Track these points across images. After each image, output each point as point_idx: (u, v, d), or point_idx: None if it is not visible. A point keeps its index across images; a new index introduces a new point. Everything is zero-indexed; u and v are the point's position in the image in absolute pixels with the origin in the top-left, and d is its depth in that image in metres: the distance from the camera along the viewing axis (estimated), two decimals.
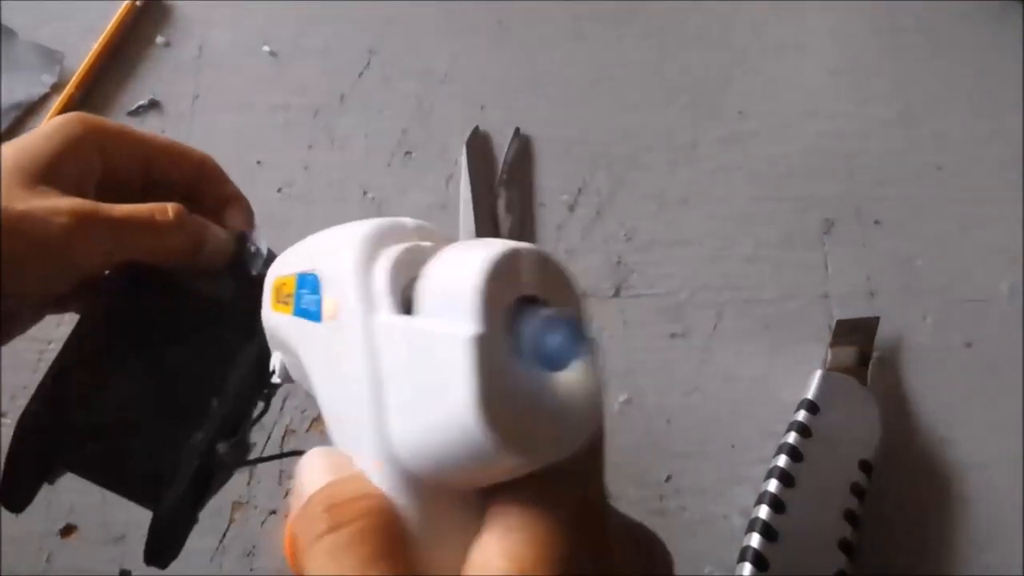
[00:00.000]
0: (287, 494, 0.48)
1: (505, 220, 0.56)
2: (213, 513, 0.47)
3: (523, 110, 0.60)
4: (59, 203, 0.34)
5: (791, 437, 0.49)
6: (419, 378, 0.22)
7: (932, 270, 0.57)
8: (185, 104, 0.58)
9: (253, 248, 0.38)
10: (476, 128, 0.58)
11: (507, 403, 0.21)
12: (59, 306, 0.39)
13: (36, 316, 0.38)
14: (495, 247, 0.22)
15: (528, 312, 0.22)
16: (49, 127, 0.36)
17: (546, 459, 0.21)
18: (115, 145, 0.37)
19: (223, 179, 0.41)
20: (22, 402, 0.49)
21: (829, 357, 0.53)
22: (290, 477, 0.48)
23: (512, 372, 0.21)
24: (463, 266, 0.22)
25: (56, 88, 0.57)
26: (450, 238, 0.26)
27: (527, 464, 0.21)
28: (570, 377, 0.22)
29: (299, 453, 0.25)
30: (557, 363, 0.21)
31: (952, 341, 0.55)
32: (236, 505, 0.48)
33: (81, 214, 0.34)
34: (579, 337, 0.21)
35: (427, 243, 0.25)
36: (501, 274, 0.22)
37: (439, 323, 0.22)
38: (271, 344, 0.29)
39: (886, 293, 0.56)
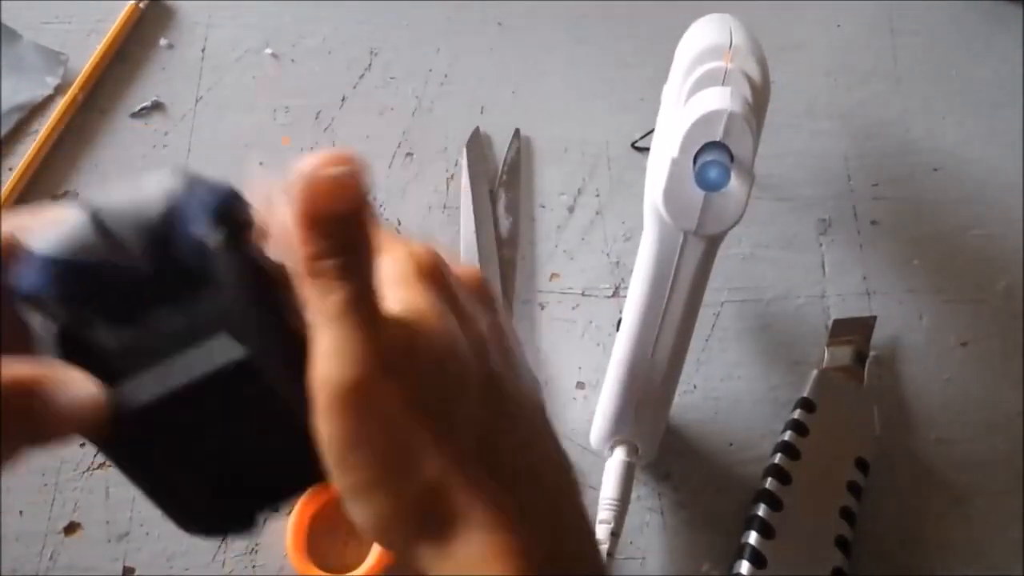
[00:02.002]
0: None
1: (505, 220, 0.56)
2: None
3: (523, 110, 0.60)
4: None
5: (788, 435, 0.50)
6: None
7: (929, 270, 0.57)
8: (188, 105, 0.58)
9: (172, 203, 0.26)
10: (476, 129, 0.59)
11: (676, 198, 0.41)
12: None
13: None
14: (709, 103, 0.40)
15: (704, 153, 0.39)
16: None
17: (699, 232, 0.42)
18: None
19: None
20: None
21: (826, 356, 0.53)
22: None
23: (688, 183, 0.40)
24: (688, 109, 0.41)
25: (59, 90, 0.57)
26: None
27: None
28: (717, 196, 0.40)
29: None
30: (709, 187, 0.40)
31: (948, 341, 0.55)
32: None
33: None
34: (725, 177, 0.39)
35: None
36: (699, 124, 0.39)
37: (666, 147, 0.41)
38: None
39: (883, 293, 0.56)
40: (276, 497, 0.30)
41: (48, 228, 0.26)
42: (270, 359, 0.27)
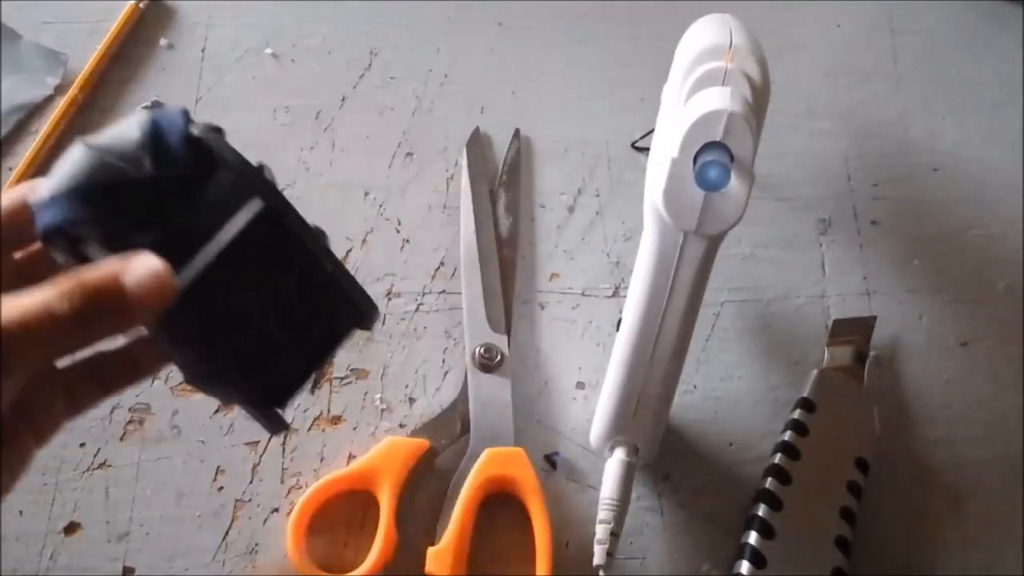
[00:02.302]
0: (288, 492, 0.48)
1: (505, 220, 0.56)
2: (215, 511, 0.48)
3: (523, 110, 0.60)
4: None
5: (788, 435, 0.50)
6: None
7: (929, 270, 0.57)
8: (188, 106, 0.58)
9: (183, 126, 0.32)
10: (476, 129, 0.59)
11: (676, 198, 0.40)
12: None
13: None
14: (709, 103, 0.40)
15: (704, 153, 0.39)
16: None
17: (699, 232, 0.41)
18: None
19: None
20: None
21: (826, 356, 0.53)
22: (293, 475, 0.49)
23: (688, 183, 0.40)
24: (688, 109, 0.41)
25: (60, 90, 0.57)
26: None
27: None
28: (717, 196, 0.40)
29: None
30: (709, 187, 0.39)
31: (948, 341, 0.55)
32: (238, 503, 0.48)
33: None
34: (725, 177, 0.39)
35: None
36: (699, 124, 0.39)
37: (666, 148, 0.41)
38: None
39: (883, 293, 0.56)
40: (328, 346, 0.33)
41: (56, 172, 0.30)
42: (284, 207, 0.31)
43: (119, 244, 0.29)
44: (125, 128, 0.31)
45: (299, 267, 0.32)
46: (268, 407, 0.32)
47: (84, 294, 0.27)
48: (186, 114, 0.32)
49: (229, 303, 0.31)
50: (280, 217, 0.31)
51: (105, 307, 0.28)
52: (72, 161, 0.30)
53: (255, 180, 0.32)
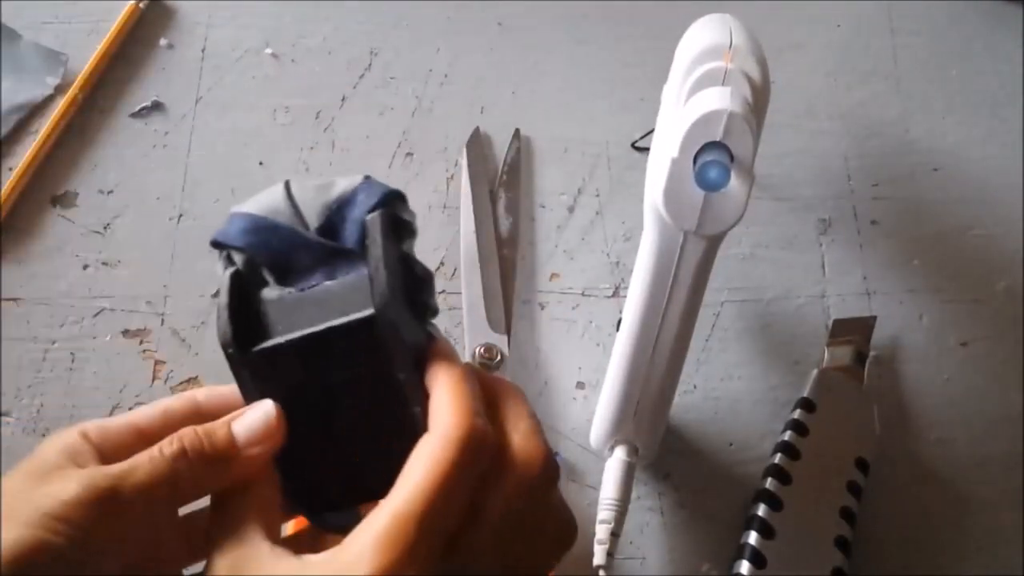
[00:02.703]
0: None
1: (505, 220, 0.56)
2: None
3: (523, 110, 0.60)
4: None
5: (788, 435, 0.50)
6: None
7: (929, 270, 0.57)
8: (188, 106, 0.58)
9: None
10: (476, 129, 0.59)
11: (676, 198, 0.40)
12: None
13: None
14: (709, 103, 0.39)
15: (704, 153, 0.39)
16: None
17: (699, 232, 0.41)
18: None
19: None
20: (26, 400, 0.50)
21: (826, 356, 0.53)
22: None
23: (688, 183, 0.39)
24: (688, 109, 0.41)
25: (60, 90, 0.57)
26: None
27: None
28: (717, 196, 0.40)
29: None
30: (709, 188, 0.39)
31: (948, 341, 0.55)
32: None
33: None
34: (725, 177, 0.38)
35: None
36: (699, 124, 0.39)
37: (666, 148, 0.41)
38: None
39: (883, 293, 0.56)
40: (365, 495, 0.33)
41: (258, 197, 0.33)
42: (399, 337, 0.30)
43: (249, 279, 0.32)
44: (329, 185, 0.33)
45: (380, 388, 0.31)
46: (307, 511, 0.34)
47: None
48: (386, 197, 0.33)
49: (291, 381, 0.32)
50: (378, 332, 0.30)
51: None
52: (265, 194, 0.33)
53: (396, 289, 0.30)
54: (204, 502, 0.32)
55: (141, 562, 0.30)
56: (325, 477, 0.33)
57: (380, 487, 0.29)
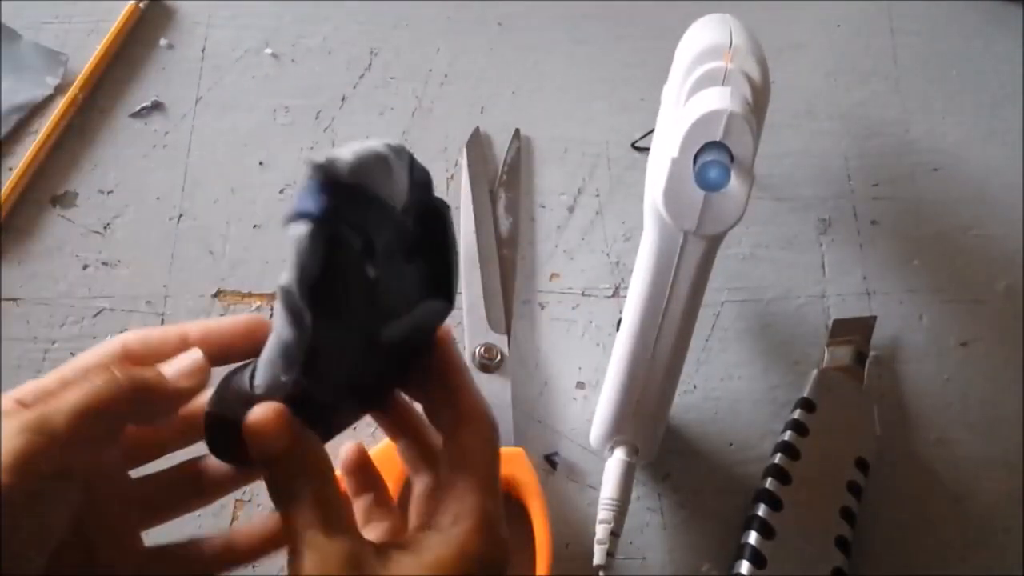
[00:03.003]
0: None
1: (505, 220, 0.56)
2: (215, 511, 0.48)
3: (523, 110, 0.60)
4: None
5: (788, 435, 0.50)
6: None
7: (929, 270, 0.57)
8: (188, 106, 0.58)
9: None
10: (476, 129, 0.59)
11: (676, 198, 0.40)
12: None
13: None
14: (709, 103, 0.40)
15: (704, 153, 0.39)
16: None
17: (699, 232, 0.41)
18: None
19: None
20: None
21: (826, 356, 0.53)
22: None
23: (688, 183, 0.40)
24: (688, 109, 0.41)
25: (60, 90, 0.57)
26: None
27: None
28: (717, 196, 0.40)
29: None
30: (709, 188, 0.39)
31: (948, 341, 0.55)
32: (239, 503, 0.48)
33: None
34: (725, 177, 0.39)
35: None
36: (699, 124, 0.39)
37: (666, 148, 0.41)
38: None
39: (883, 293, 0.56)
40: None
41: (350, 147, 0.29)
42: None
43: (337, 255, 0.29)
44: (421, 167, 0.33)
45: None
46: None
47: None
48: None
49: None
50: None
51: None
52: (360, 146, 0.30)
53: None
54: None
55: (93, 520, 0.31)
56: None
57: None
